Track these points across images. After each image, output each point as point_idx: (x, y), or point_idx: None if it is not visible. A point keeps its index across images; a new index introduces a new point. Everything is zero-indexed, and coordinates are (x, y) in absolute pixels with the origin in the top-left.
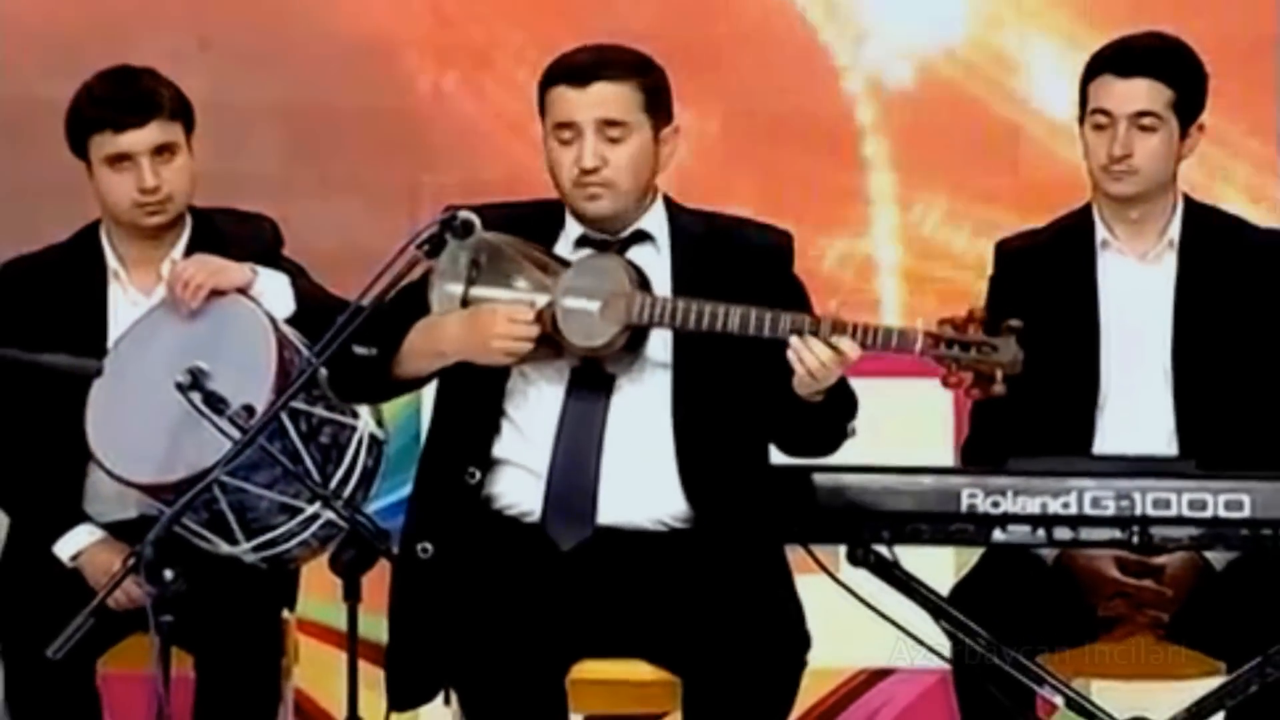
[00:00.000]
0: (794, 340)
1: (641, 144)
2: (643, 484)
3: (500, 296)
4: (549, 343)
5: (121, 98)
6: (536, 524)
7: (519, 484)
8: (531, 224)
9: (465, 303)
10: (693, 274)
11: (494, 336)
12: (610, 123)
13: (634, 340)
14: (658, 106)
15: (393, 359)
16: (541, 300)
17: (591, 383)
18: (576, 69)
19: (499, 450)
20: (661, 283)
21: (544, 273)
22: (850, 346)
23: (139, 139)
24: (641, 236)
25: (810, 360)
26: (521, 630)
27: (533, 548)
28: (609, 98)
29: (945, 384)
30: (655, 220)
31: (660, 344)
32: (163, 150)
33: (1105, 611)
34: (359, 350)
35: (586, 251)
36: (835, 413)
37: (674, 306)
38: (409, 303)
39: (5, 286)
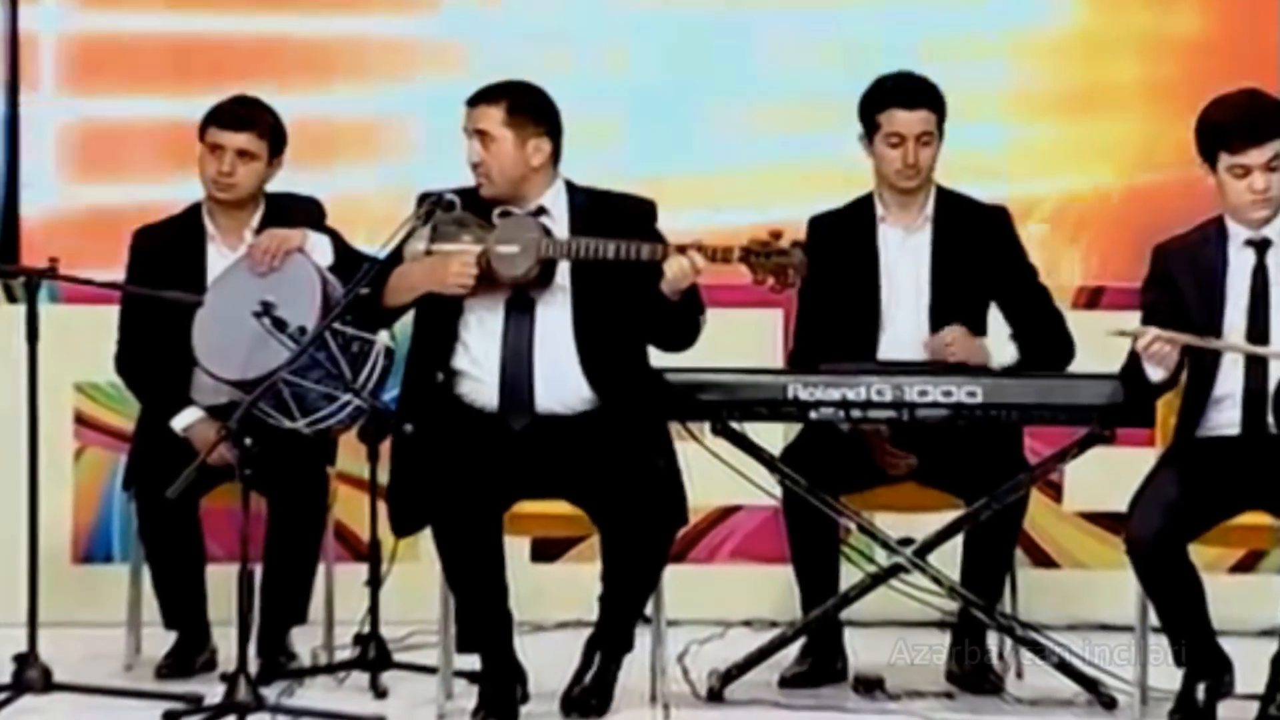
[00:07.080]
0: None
1: (503, 148)
2: (560, 380)
3: (452, 248)
4: (487, 280)
5: (234, 111)
6: (492, 413)
7: (476, 388)
8: (478, 202)
9: (428, 254)
10: (582, 231)
11: (449, 274)
12: (481, 132)
13: (545, 271)
14: (520, 123)
15: (382, 295)
16: (480, 249)
17: (521, 306)
18: (473, 94)
19: (458, 364)
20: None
21: (482, 230)
22: (699, 259)
23: (230, 139)
24: (541, 210)
25: (675, 268)
26: (475, 479)
27: (489, 428)
28: (480, 115)
29: (755, 282)
30: (552, 197)
31: (563, 278)
32: (244, 154)
33: (880, 462)
34: (362, 292)
35: (510, 217)
36: (689, 308)
37: (568, 243)
38: (390, 263)
39: (138, 245)
